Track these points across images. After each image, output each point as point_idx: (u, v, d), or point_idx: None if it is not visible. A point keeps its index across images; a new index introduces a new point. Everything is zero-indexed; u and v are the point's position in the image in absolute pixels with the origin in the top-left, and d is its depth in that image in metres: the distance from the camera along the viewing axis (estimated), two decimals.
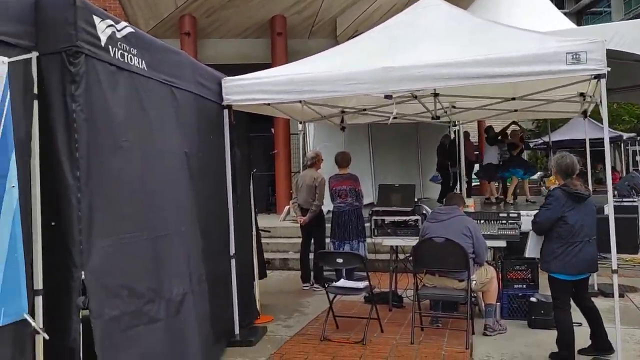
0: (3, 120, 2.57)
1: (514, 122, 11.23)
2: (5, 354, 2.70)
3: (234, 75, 5.15)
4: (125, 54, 3.60)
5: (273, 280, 8.28)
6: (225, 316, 4.80)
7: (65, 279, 3.11)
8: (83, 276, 3.11)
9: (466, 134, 12.56)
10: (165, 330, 3.61)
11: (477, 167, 13.23)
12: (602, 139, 4.29)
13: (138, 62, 3.75)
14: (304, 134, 11.07)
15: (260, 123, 11.76)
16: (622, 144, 20.25)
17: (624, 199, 9.05)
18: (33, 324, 2.82)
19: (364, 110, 7.13)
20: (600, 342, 4.47)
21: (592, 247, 4.32)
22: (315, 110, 6.79)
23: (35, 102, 3.03)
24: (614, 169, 22.38)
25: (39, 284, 2.96)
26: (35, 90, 3.04)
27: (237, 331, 5.18)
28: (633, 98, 10.29)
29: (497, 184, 12.66)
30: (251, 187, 5.92)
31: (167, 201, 3.90)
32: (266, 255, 9.32)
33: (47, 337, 2.94)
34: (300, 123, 7.20)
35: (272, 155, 13.12)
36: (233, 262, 5.22)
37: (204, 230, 4.38)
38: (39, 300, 2.96)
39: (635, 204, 10.07)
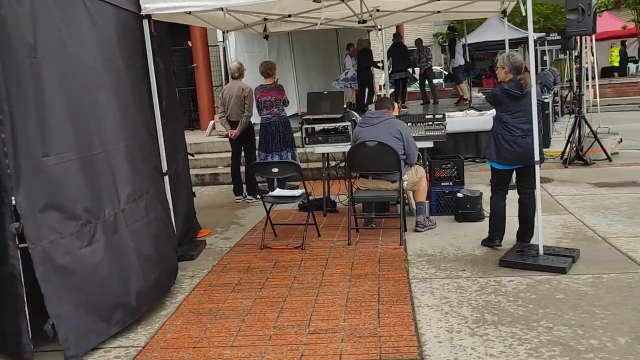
0: None
1: None
2: None
3: None
4: None
5: (205, 196, 8.26)
6: (167, 233, 4.70)
7: None
8: (14, 201, 2.98)
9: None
10: (105, 250, 3.53)
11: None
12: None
13: None
14: (224, 46, 10.69)
15: (177, 36, 11.22)
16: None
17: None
18: None
19: (289, 16, 6.92)
20: (524, 234, 4.79)
21: (525, 141, 4.44)
22: (238, 18, 6.53)
23: None
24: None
25: None
26: None
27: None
28: None
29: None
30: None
31: (92, 119, 3.66)
32: (196, 172, 9.26)
33: None
34: (225, 32, 6.90)
35: (192, 69, 12.65)
36: (166, 179, 5.12)
37: (133, 147, 4.21)
38: None
39: (546, 100, 10.65)
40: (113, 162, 3.86)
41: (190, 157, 5.93)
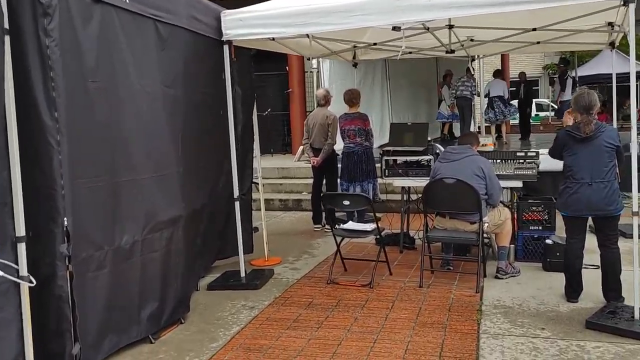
0: None
1: None
2: None
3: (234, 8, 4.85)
4: None
5: (285, 221, 8.21)
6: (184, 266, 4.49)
7: (49, 225, 3.00)
8: (66, 223, 3.00)
9: None
10: (111, 277, 3.46)
11: None
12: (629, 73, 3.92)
13: None
14: (317, 71, 10.72)
15: (275, 62, 11.43)
16: None
17: None
18: (1, 273, 2.68)
19: (375, 44, 6.75)
20: (605, 291, 4.32)
21: (592, 190, 4.11)
22: (324, 45, 6.45)
23: (7, 38, 2.81)
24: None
25: (20, 230, 2.83)
26: (6, 25, 2.81)
27: (242, 274, 5.11)
28: None
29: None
30: (254, 127, 5.68)
31: (134, 145, 3.69)
32: (280, 196, 9.29)
33: (33, 283, 2.83)
34: (309, 59, 6.86)
35: (287, 95, 12.82)
36: (237, 204, 5.09)
37: (184, 172, 4.18)
38: (21, 248, 2.84)
39: None
40: (145, 189, 3.81)
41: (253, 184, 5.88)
